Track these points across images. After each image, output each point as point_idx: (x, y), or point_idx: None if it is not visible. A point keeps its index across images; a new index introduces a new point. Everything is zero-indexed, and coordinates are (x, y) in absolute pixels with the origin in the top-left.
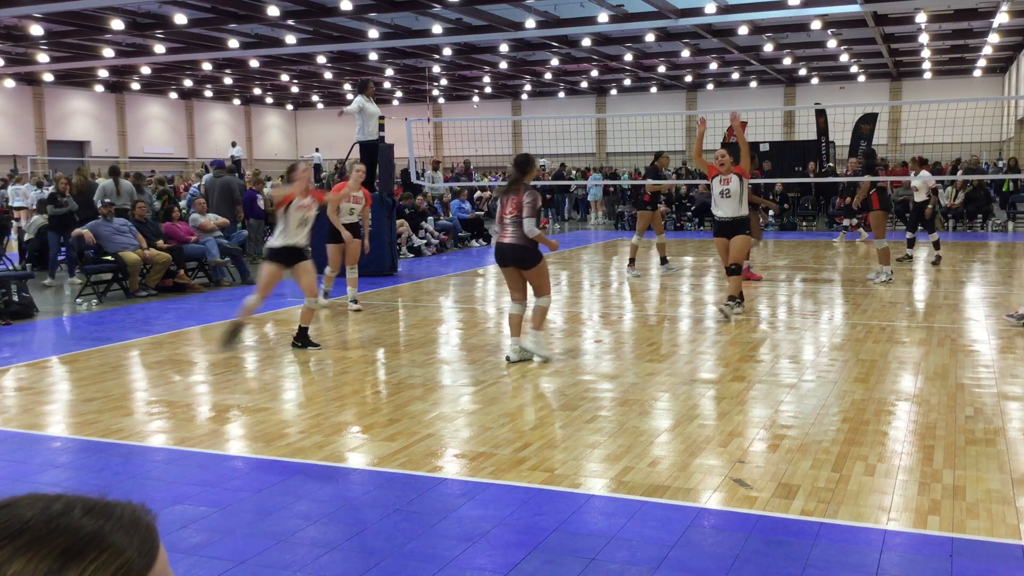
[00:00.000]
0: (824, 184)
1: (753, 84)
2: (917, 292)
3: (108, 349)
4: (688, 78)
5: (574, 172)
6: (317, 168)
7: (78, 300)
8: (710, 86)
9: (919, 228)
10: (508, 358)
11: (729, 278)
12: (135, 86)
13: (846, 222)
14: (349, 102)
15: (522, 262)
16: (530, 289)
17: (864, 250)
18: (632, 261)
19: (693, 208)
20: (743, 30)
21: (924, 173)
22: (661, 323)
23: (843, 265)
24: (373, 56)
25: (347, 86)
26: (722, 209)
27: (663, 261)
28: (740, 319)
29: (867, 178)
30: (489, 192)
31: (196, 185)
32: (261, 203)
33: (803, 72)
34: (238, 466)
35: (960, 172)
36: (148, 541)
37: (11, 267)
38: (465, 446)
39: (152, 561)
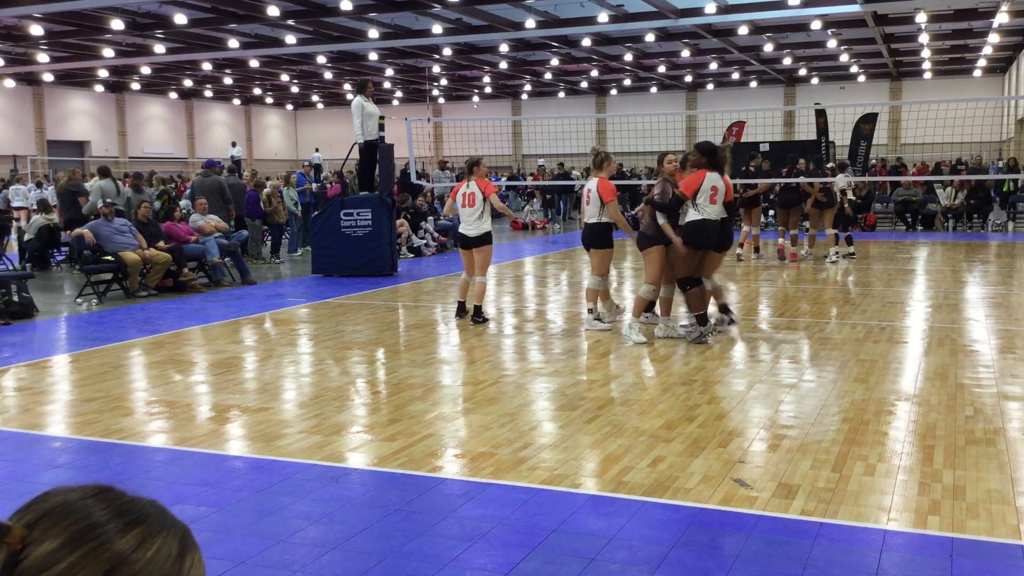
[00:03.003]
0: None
1: (753, 84)
2: (916, 292)
3: (108, 349)
4: (688, 78)
5: (575, 173)
6: (317, 168)
7: (78, 300)
8: (710, 86)
9: (840, 227)
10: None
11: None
12: (135, 86)
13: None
14: (349, 103)
15: (641, 246)
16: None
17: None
18: (757, 248)
19: None
20: (743, 30)
21: (840, 176)
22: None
23: (840, 265)
24: (373, 56)
25: (347, 86)
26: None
27: (756, 250)
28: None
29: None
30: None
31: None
32: (261, 203)
33: (803, 72)
34: (238, 466)
35: (963, 172)
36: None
37: (11, 267)
38: (465, 446)
39: None
